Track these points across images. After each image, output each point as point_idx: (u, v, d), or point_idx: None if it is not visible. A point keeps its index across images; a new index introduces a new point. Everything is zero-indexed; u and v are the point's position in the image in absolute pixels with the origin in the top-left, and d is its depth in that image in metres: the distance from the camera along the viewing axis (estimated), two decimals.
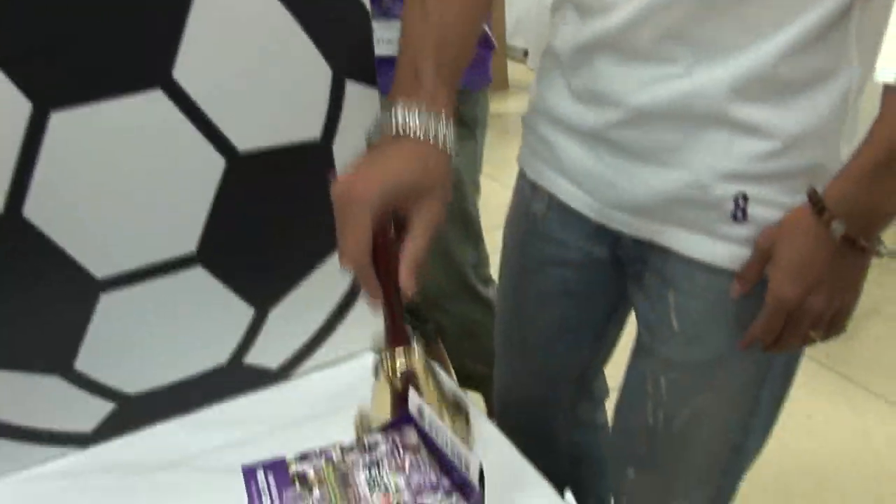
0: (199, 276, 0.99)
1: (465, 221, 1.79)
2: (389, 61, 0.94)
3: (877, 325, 2.86)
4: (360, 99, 1.00)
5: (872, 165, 0.87)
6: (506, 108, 5.24)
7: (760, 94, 0.88)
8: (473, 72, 1.71)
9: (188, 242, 0.97)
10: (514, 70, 5.81)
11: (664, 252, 1.02)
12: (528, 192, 1.18)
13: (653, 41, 0.91)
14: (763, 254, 0.94)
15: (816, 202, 0.90)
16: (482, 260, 1.86)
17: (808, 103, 0.89)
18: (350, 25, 0.95)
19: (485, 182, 1.85)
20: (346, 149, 1.01)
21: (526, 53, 6.01)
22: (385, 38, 1.44)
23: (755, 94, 0.88)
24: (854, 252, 0.91)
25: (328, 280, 1.10)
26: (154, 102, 0.85)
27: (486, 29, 1.75)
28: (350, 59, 0.96)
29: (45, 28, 0.77)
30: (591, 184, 1.05)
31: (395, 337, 0.90)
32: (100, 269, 0.92)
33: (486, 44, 1.79)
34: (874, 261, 0.93)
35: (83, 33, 0.79)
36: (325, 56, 0.94)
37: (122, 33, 0.81)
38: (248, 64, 0.89)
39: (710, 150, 0.92)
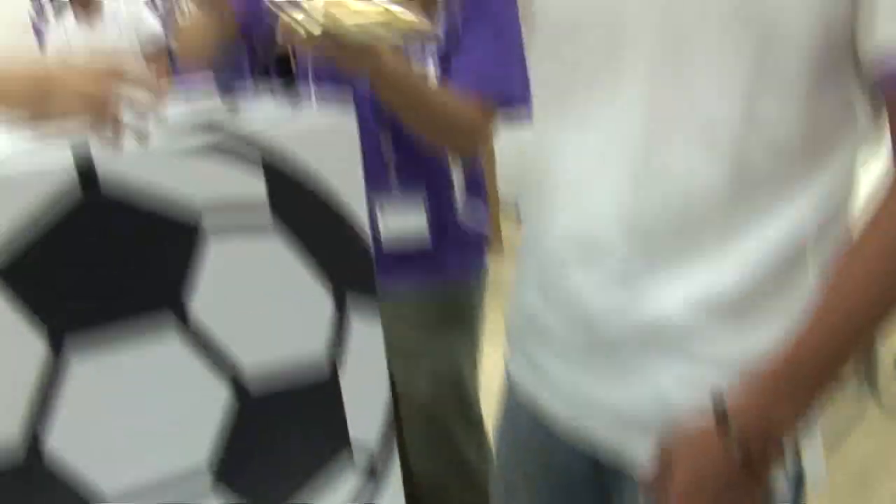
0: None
1: (468, 419, 1.78)
2: None
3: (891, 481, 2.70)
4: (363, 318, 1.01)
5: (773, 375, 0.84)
6: (501, 273, 5.22)
7: (719, 319, 0.88)
8: (468, 258, 1.70)
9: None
10: (507, 228, 5.83)
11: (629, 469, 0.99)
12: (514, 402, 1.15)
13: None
14: (664, 466, 0.90)
15: (720, 412, 0.85)
16: (484, 452, 1.83)
17: (767, 326, 0.87)
18: (352, 255, 0.96)
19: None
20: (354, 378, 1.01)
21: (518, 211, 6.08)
22: None
23: (714, 317, 0.88)
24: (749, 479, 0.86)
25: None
26: (165, 330, 0.85)
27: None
28: (352, 282, 0.97)
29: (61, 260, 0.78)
30: (568, 390, 1.02)
31: None
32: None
33: (479, 228, 1.74)
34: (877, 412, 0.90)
35: (98, 265, 0.80)
36: (327, 279, 0.94)
37: (135, 264, 0.82)
38: (255, 294, 0.90)
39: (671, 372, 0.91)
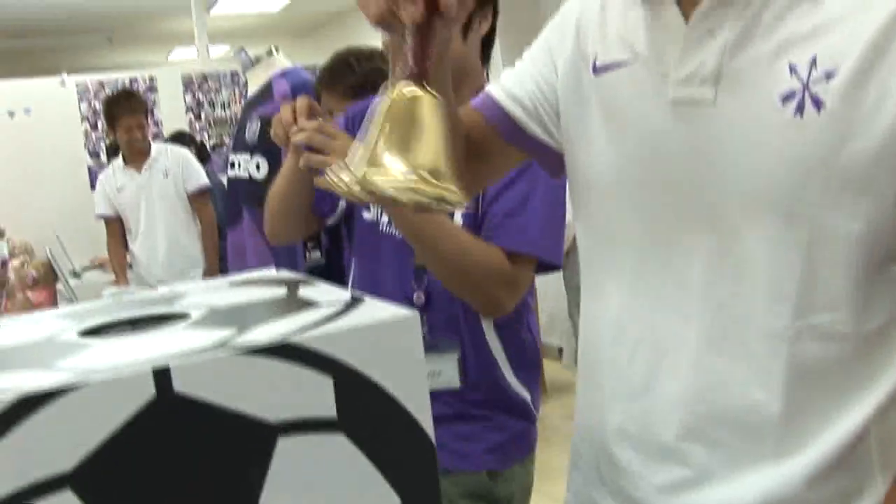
0: None
1: None
2: None
3: None
4: None
5: None
6: (544, 412, 5.24)
7: None
8: (511, 445, 1.70)
9: None
10: (550, 369, 5.86)
11: None
12: None
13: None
14: None
15: None
16: None
17: None
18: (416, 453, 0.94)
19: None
20: None
21: (560, 351, 6.08)
22: None
23: None
24: None
25: None
26: None
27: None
28: (415, 481, 0.96)
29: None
30: None
31: (417, 67, 0.83)
32: None
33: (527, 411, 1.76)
34: None
35: (168, 466, 0.79)
36: (393, 478, 0.93)
37: (205, 465, 0.81)
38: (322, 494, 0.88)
39: None
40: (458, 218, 1.61)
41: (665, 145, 0.95)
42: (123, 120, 4.65)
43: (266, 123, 2.67)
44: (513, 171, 1.54)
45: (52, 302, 4.91)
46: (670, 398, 0.96)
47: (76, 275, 5.26)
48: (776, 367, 0.88)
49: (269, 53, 2.83)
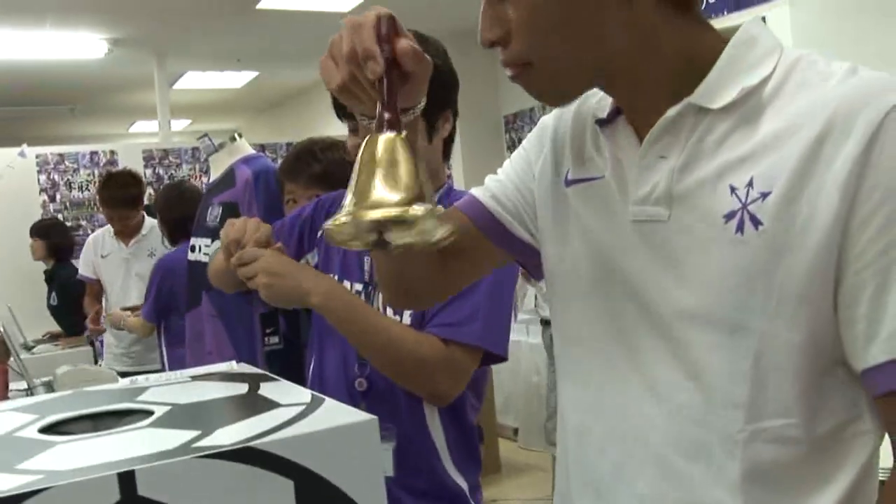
0: None
1: None
2: None
3: None
4: None
5: None
6: (500, 493, 5.23)
7: None
8: None
9: None
10: (505, 449, 5.87)
11: None
12: None
13: None
14: None
15: None
16: None
17: None
18: None
19: None
20: None
21: (516, 432, 6.11)
22: None
23: None
24: None
25: None
26: None
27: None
28: None
29: None
30: None
31: (389, 114, 0.93)
32: None
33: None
34: None
35: None
36: None
37: None
38: None
39: None
40: (407, 318, 1.66)
41: (625, 259, 1.01)
42: (118, 210, 4.65)
43: (227, 210, 2.71)
44: None
45: (4, 378, 4.81)
46: (636, 495, 1.00)
47: (28, 348, 5.18)
48: (733, 468, 0.92)
49: (233, 139, 2.86)
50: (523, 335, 5.73)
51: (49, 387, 2.43)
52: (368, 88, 0.95)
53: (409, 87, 0.98)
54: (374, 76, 0.93)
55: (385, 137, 0.93)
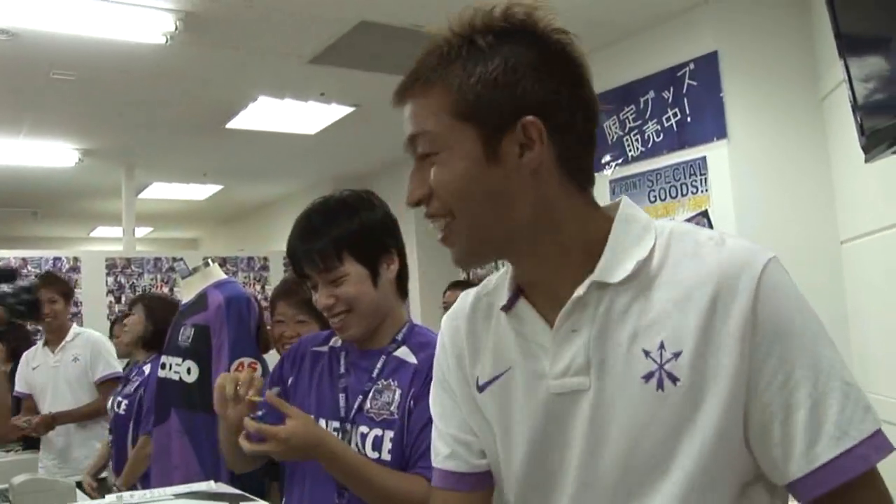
0: None
1: None
2: None
3: None
4: None
5: None
6: None
7: None
8: None
9: None
10: None
11: None
12: None
13: None
14: None
15: None
16: None
17: None
18: None
19: None
20: None
21: None
22: None
23: None
24: None
25: None
26: None
27: None
28: None
29: None
30: None
31: None
32: None
33: None
34: None
35: None
36: None
37: None
38: None
39: None
40: (388, 443, 1.77)
41: (550, 436, 1.12)
42: (43, 291, 4.68)
43: (199, 332, 2.88)
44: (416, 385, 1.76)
45: None
46: None
47: None
48: None
49: (206, 264, 3.06)
50: None
51: (4, 496, 2.45)
52: None
53: None
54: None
55: None
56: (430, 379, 1.65)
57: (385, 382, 1.85)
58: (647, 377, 1.04)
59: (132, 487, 3.92)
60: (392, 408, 1.81)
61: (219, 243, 13.18)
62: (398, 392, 1.82)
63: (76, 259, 8.14)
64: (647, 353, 1.04)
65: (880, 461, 1.01)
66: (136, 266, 8.32)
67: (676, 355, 1.03)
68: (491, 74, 1.05)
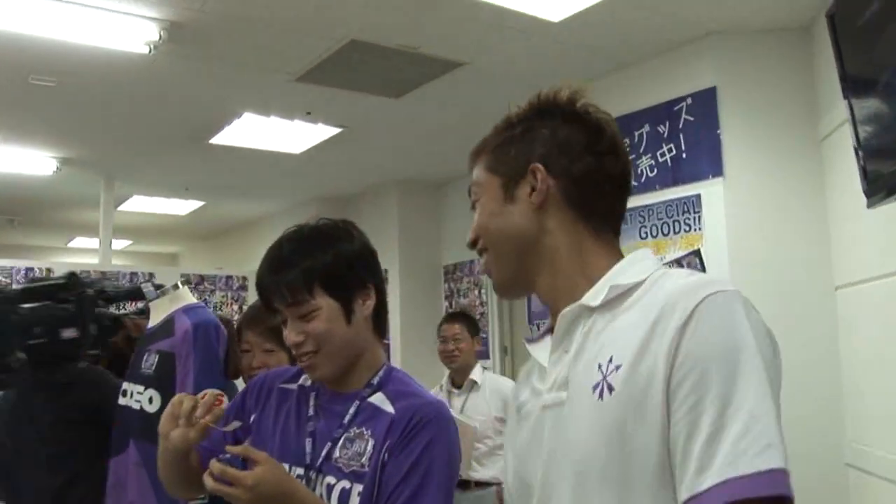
0: None
1: None
2: None
3: None
4: None
5: None
6: None
7: None
8: None
9: None
10: None
11: None
12: None
13: None
14: None
15: None
16: None
17: None
18: None
19: None
20: None
21: None
22: None
23: None
24: None
25: None
26: None
27: None
28: None
29: None
30: None
31: None
32: None
33: None
34: None
35: None
36: None
37: None
38: None
39: None
40: (356, 497, 1.66)
41: (531, 449, 1.27)
42: None
43: (163, 359, 2.72)
44: (408, 460, 1.64)
45: None
46: None
47: None
48: None
49: (175, 287, 2.89)
50: None
51: None
52: None
53: None
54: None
55: None
56: (408, 432, 1.65)
57: (357, 431, 1.74)
58: (594, 387, 1.15)
59: None
60: (363, 459, 1.69)
61: (198, 260, 13.06)
62: (371, 442, 1.71)
63: (49, 270, 8.00)
64: (599, 367, 1.16)
65: (769, 500, 1.00)
66: (110, 279, 8.14)
67: (617, 367, 1.13)
68: (512, 135, 1.36)
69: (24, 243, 12.31)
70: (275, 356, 2.61)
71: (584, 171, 1.30)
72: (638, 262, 1.27)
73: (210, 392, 1.75)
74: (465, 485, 4.44)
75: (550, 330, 1.32)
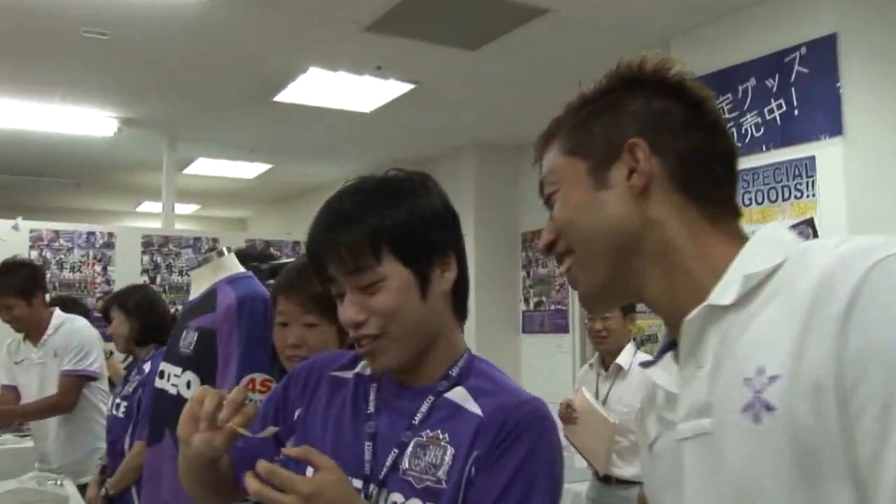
0: None
1: None
2: None
3: None
4: None
5: None
6: None
7: None
8: None
9: None
10: None
11: None
12: None
13: None
14: None
15: None
16: None
17: None
18: None
19: None
20: None
21: None
22: None
23: None
24: None
25: None
26: None
27: None
28: None
29: None
30: None
31: None
32: None
33: None
34: None
35: None
36: None
37: None
38: None
39: None
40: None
41: (674, 492, 1.06)
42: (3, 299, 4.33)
43: (203, 337, 2.37)
44: (504, 477, 1.38)
45: None
46: None
47: None
48: None
49: (220, 254, 2.53)
50: None
51: None
52: None
53: None
54: None
55: None
56: (502, 440, 1.40)
57: (431, 434, 1.44)
58: (745, 408, 0.95)
59: (124, 494, 3.73)
60: (440, 472, 1.40)
61: (268, 224, 12.95)
62: (450, 451, 1.41)
63: (111, 234, 7.86)
64: (746, 381, 0.96)
65: None
66: (174, 245, 8.07)
67: (772, 379, 0.93)
68: (595, 109, 1.16)
69: (91, 207, 12.43)
70: (317, 332, 2.10)
71: (693, 147, 1.12)
72: (770, 241, 1.05)
73: (257, 384, 1.43)
74: (607, 479, 4.15)
75: (669, 346, 1.13)
